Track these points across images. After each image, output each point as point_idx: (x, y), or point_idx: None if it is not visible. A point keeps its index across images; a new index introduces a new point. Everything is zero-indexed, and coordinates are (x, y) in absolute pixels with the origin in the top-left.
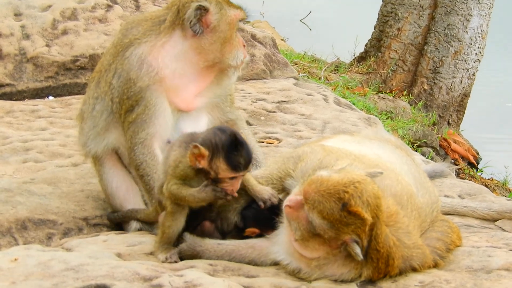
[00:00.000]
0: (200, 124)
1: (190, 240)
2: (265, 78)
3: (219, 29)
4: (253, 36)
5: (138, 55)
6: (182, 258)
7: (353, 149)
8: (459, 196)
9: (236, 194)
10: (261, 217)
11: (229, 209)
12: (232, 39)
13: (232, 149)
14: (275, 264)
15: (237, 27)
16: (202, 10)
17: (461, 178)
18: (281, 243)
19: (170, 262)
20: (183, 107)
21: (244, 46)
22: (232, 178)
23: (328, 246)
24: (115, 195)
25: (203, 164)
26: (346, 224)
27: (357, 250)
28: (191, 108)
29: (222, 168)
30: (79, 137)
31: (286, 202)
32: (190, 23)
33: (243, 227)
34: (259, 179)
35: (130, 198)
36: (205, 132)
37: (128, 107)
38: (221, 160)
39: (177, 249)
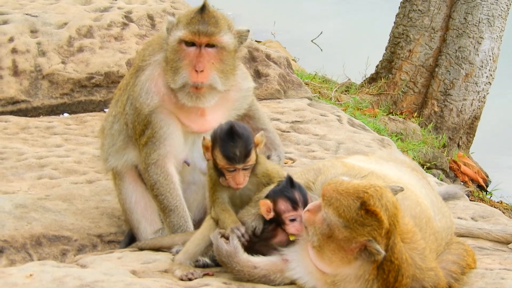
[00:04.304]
0: None
1: (233, 248)
2: (279, 98)
3: (165, 49)
4: (268, 56)
5: (142, 82)
6: (213, 259)
7: (374, 168)
8: (472, 218)
9: (239, 187)
10: (286, 194)
11: (247, 214)
12: (175, 61)
13: (227, 139)
14: (291, 283)
15: (182, 49)
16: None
17: (471, 201)
18: (298, 261)
19: (189, 278)
20: (196, 128)
21: (196, 71)
22: (230, 170)
23: (343, 251)
24: (132, 211)
25: (208, 155)
26: (362, 224)
27: (377, 246)
28: (204, 129)
29: (219, 158)
30: (100, 152)
31: (305, 208)
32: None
33: (260, 233)
34: None
35: (148, 215)
36: None
37: (140, 132)
38: (218, 149)
39: (200, 271)
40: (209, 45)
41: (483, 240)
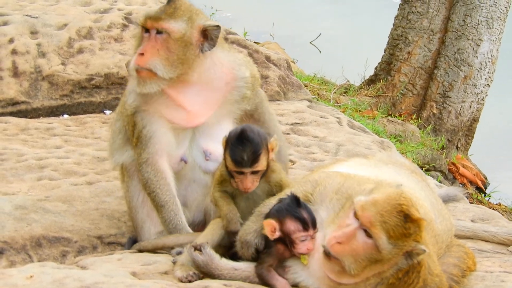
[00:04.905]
0: (225, 132)
1: (207, 257)
2: (279, 100)
3: None
4: (268, 58)
5: (129, 84)
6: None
7: (370, 174)
8: (472, 220)
9: (247, 191)
10: (296, 215)
11: (249, 232)
12: (135, 47)
13: (237, 142)
14: (293, 285)
15: (140, 34)
16: None
17: (470, 203)
18: (299, 263)
19: (189, 280)
20: (182, 123)
21: (137, 53)
22: (238, 173)
23: (384, 266)
24: (138, 209)
25: (223, 156)
26: (408, 235)
27: (422, 246)
28: (192, 123)
29: (228, 160)
30: (108, 147)
31: (330, 241)
32: None
33: (263, 249)
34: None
35: (153, 215)
36: None
37: (131, 133)
38: (227, 152)
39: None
40: (159, 32)
41: (483, 242)
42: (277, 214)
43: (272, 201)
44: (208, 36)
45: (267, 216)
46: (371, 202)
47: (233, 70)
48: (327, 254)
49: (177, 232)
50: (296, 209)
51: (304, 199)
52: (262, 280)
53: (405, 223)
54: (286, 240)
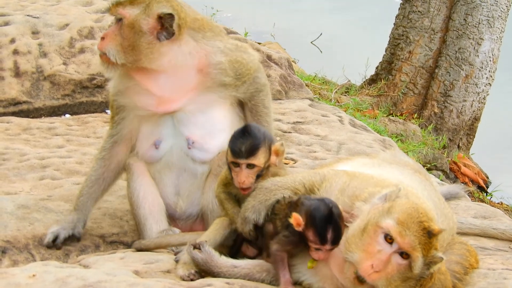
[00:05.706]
0: (212, 120)
1: (207, 255)
2: (280, 99)
3: None
4: (269, 57)
5: None
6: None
7: (374, 173)
8: (474, 218)
9: (242, 187)
10: (320, 231)
11: (248, 207)
12: None
13: (238, 135)
14: (296, 284)
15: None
16: None
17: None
18: (303, 263)
19: (191, 279)
20: (153, 109)
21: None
22: (235, 165)
23: (411, 281)
24: (140, 205)
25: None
26: (432, 247)
27: (440, 254)
28: (164, 108)
29: (228, 153)
30: None
31: (367, 271)
32: None
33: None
34: (279, 181)
35: (155, 212)
36: None
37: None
38: (229, 144)
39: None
40: (119, 19)
41: (485, 240)
42: (307, 214)
43: (277, 179)
44: (164, 24)
45: (301, 209)
46: (401, 225)
47: (205, 58)
48: (361, 280)
49: (78, 200)
50: (324, 224)
51: (310, 189)
52: (273, 261)
53: (430, 238)
54: (305, 238)
